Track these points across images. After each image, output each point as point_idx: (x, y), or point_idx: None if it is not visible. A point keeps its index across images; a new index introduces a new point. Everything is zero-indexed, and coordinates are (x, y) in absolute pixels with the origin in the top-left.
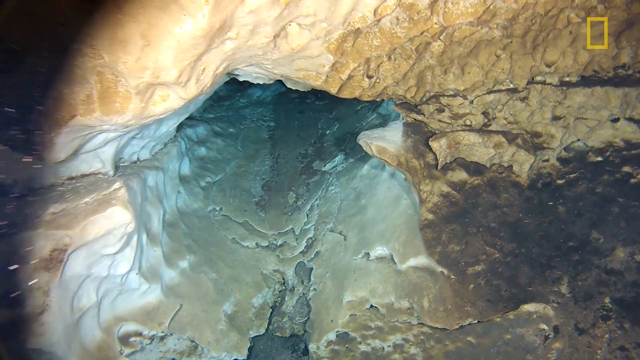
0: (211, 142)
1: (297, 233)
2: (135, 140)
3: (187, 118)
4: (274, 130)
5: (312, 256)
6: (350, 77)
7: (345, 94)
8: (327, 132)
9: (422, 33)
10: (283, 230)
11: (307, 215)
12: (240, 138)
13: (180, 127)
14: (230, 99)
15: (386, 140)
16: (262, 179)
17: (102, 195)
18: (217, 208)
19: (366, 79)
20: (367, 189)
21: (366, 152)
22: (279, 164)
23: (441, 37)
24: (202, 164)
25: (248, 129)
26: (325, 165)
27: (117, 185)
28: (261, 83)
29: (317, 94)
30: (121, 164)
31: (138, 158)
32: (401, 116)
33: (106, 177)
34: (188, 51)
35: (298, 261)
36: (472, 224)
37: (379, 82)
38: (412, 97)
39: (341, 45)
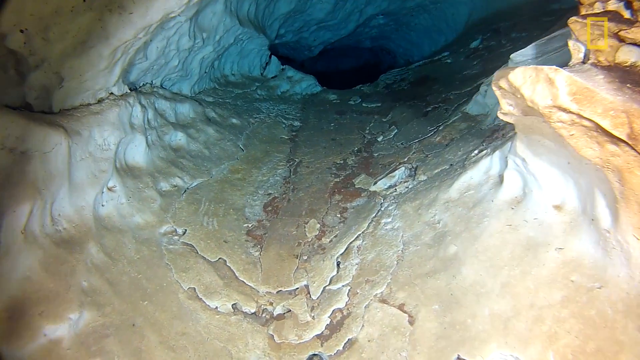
0: (197, 130)
1: (314, 296)
2: None
3: (173, 92)
4: (298, 132)
5: (340, 348)
6: None
7: None
8: (380, 139)
9: None
10: (288, 288)
11: (338, 264)
12: (245, 133)
13: (149, 96)
14: (244, 87)
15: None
16: (266, 194)
17: None
18: (179, 230)
19: None
20: (461, 226)
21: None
22: (299, 175)
23: None
24: (173, 157)
25: (260, 124)
26: (376, 183)
27: None
28: None
29: (365, 94)
30: None
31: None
32: (582, 51)
33: None
34: None
35: (309, 354)
36: None
37: None
38: None
39: None
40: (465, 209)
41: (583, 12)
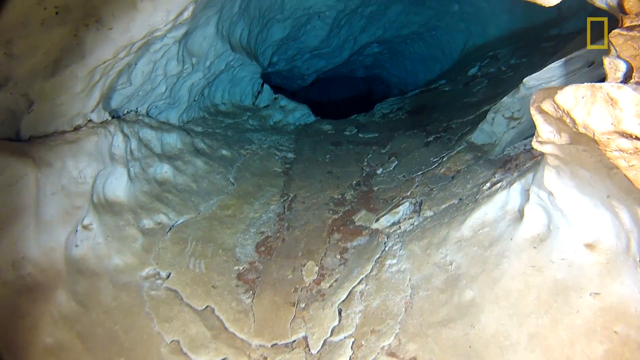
0: (185, 162)
1: (313, 350)
2: None
3: (160, 121)
4: (293, 164)
5: None
6: None
7: None
8: (380, 172)
9: None
10: (284, 341)
11: (339, 312)
12: (236, 165)
13: (133, 124)
14: (235, 116)
15: None
16: (259, 232)
17: None
18: (163, 273)
19: None
20: (477, 268)
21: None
22: (294, 212)
23: None
24: (158, 191)
25: (252, 156)
26: (378, 220)
27: None
28: None
29: (361, 124)
30: None
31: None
32: (623, 69)
33: None
34: None
35: None
36: None
37: None
38: None
39: None
40: (480, 248)
41: (627, 23)
